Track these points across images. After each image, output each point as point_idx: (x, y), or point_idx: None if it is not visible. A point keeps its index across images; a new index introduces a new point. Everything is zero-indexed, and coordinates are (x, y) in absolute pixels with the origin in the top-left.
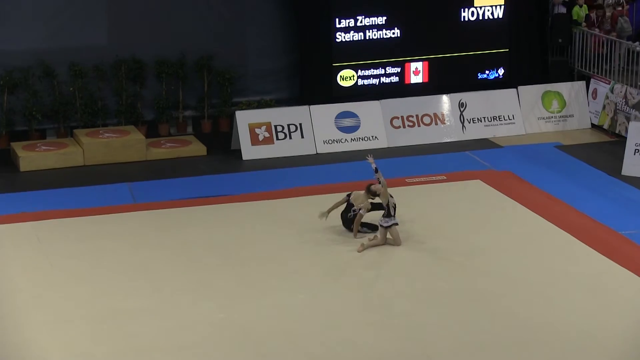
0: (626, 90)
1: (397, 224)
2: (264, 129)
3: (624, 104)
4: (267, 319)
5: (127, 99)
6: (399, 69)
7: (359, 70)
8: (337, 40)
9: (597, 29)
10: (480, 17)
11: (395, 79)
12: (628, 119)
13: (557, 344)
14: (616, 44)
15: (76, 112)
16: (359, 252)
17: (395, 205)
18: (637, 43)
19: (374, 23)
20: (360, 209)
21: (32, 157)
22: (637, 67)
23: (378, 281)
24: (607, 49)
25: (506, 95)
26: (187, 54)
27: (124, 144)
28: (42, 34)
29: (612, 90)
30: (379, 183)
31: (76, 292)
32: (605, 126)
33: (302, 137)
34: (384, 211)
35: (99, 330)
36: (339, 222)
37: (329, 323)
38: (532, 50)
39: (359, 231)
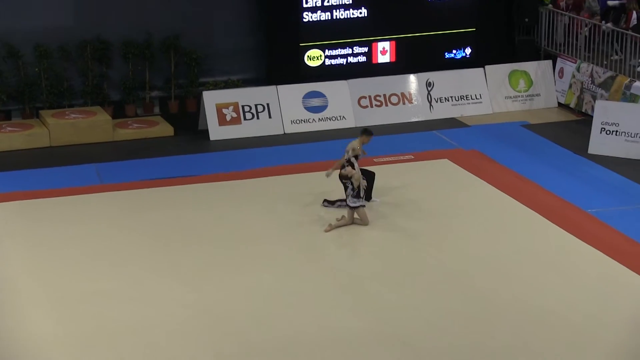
0: (592, 69)
1: (364, 205)
2: (231, 109)
3: (590, 82)
4: (237, 300)
5: (93, 80)
6: (366, 49)
7: (326, 50)
8: (304, 20)
9: (567, 11)
10: None
11: (362, 58)
12: (594, 98)
13: (525, 321)
14: (582, 23)
15: (42, 93)
16: (326, 231)
17: (365, 187)
18: (603, 22)
19: (341, 3)
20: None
21: None
22: (603, 46)
23: (348, 261)
24: (574, 28)
25: (473, 74)
26: (154, 34)
27: (90, 124)
28: (6, 14)
29: (578, 69)
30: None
31: (43, 274)
32: (572, 105)
33: (270, 117)
34: (352, 192)
35: (66, 313)
36: (307, 202)
37: (299, 303)
38: (499, 29)
39: (325, 205)
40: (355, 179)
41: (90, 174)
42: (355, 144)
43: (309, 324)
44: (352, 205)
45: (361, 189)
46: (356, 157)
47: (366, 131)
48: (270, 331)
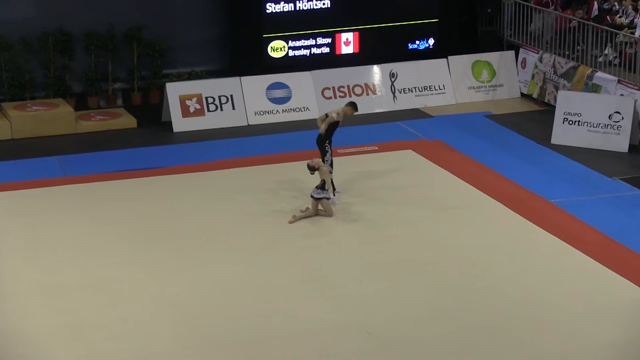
0: (554, 60)
1: (328, 198)
2: (194, 101)
3: (552, 73)
4: (203, 292)
5: (56, 72)
6: (329, 40)
7: (290, 41)
8: (267, 11)
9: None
10: None
11: (326, 49)
12: (557, 88)
13: (490, 311)
14: (544, 13)
15: (3, 85)
16: (290, 222)
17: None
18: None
19: None
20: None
21: None
22: (565, 37)
23: (313, 252)
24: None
25: (436, 65)
26: (116, 25)
27: (52, 116)
28: None
29: (540, 60)
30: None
31: (6, 268)
32: (535, 95)
33: (234, 108)
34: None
35: (31, 306)
36: (272, 193)
37: (266, 295)
38: (462, 20)
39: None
40: (322, 172)
41: (52, 167)
42: (339, 110)
43: (275, 314)
44: (315, 196)
45: (327, 181)
46: (333, 129)
47: (353, 104)
48: (236, 322)
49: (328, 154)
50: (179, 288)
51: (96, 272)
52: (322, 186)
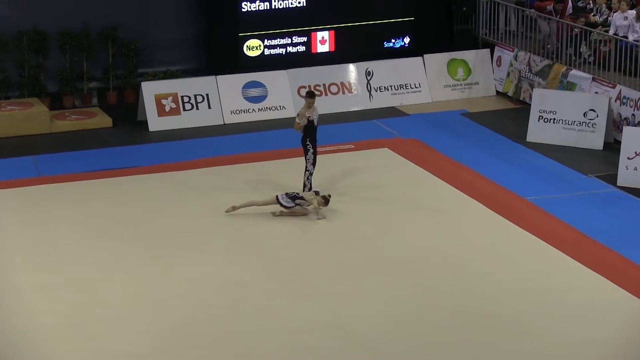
0: (529, 58)
1: (294, 206)
2: (170, 100)
3: (527, 71)
4: (179, 291)
5: (30, 71)
6: (305, 39)
7: (266, 40)
8: (243, 9)
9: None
10: None
11: (301, 48)
12: (532, 86)
13: (467, 309)
14: (518, 11)
15: None
16: (227, 212)
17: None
18: (532, 10)
19: None
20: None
21: None
22: (539, 35)
23: (290, 251)
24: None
25: (412, 63)
26: (91, 24)
27: (27, 116)
28: None
29: (515, 58)
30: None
31: None
32: (510, 93)
33: (209, 107)
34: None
35: (5, 307)
36: (248, 192)
37: (242, 293)
38: (438, 18)
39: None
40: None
41: (27, 166)
42: (301, 110)
43: (252, 314)
44: (282, 203)
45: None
46: (309, 127)
47: (307, 93)
48: (214, 322)
49: (310, 153)
50: (156, 287)
51: (72, 272)
52: (294, 197)
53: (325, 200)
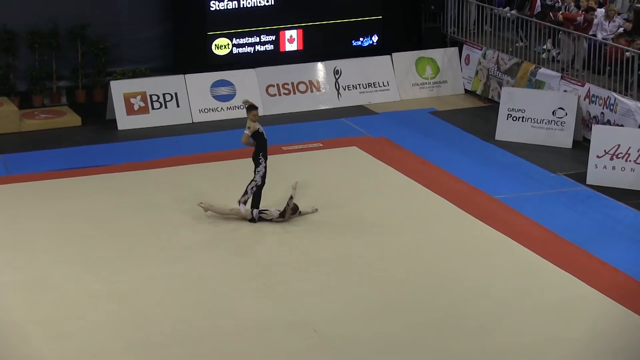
0: (498, 56)
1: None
2: (139, 99)
3: (496, 69)
4: (146, 290)
5: None
6: (273, 37)
7: (234, 39)
8: (211, 8)
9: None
10: None
11: (270, 47)
12: (500, 85)
13: (435, 307)
14: (485, 9)
15: None
16: (200, 205)
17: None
18: (507, 9)
19: None
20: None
21: None
22: (507, 33)
23: (257, 250)
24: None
25: (380, 62)
26: (60, 23)
27: None
28: None
29: (484, 56)
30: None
31: None
32: (478, 91)
33: (178, 106)
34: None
35: None
36: (216, 191)
37: (209, 292)
38: (406, 17)
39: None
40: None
41: None
42: (250, 124)
43: (219, 312)
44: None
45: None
46: (260, 140)
47: (248, 107)
48: (181, 321)
49: (261, 166)
50: (123, 286)
51: (40, 270)
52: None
53: (294, 209)
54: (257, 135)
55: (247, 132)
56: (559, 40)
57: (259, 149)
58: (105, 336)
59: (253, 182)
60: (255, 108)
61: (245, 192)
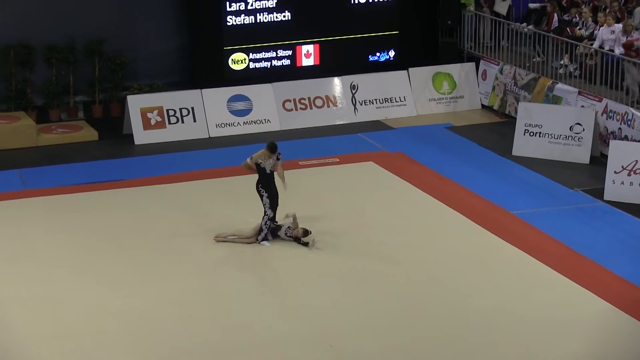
0: (515, 71)
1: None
2: (155, 113)
3: (513, 84)
4: (162, 305)
5: (17, 85)
6: (290, 52)
7: (251, 54)
8: (228, 23)
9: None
10: (370, 0)
11: (286, 61)
12: (517, 100)
13: (451, 322)
14: (503, 25)
15: None
16: (216, 239)
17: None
18: (524, 24)
19: (264, 6)
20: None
21: None
22: (524, 49)
23: (273, 265)
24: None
25: (397, 77)
26: (77, 38)
27: (13, 129)
28: None
29: (501, 71)
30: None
31: None
32: (495, 107)
33: (195, 121)
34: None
35: None
36: (232, 206)
37: (225, 308)
38: (423, 32)
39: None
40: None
41: (13, 180)
42: (257, 153)
43: (235, 327)
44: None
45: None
46: (263, 179)
47: (269, 145)
48: (196, 336)
49: (264, 198)
50: (139, 301)
51: (56, 284)
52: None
53: (305, 232)
54: (257, 166)
55: (249, 159)
56: (576, 56)
57: (259, 180)
58: (119, 351)
59: (265, 217)
60: (272, 151)
61: (261, 230)
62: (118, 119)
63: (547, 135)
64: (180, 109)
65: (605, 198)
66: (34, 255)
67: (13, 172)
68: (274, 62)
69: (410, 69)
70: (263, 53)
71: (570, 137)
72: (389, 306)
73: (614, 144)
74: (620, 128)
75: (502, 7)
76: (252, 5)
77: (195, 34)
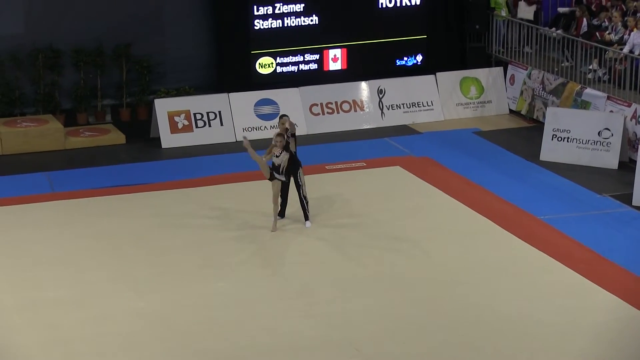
0: (543, 76)
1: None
2: (183, 117)
3: (541, 89)
4: (188, 308)
5: (45, 88)
6: (317, 56)
7: (278, 58)
8: (256, 27)
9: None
10: (398, 4)
11: (314, 66)
12: (545, 105)
13: (477, 327)
14: (532, 29)
15: None
16: (272, 231)
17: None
18: (553, 29)
19: (292, 10)
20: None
21: None
22: (553, 53)
23: (299, 269)
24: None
25: (424, 81)
26: (105, 42)
27: (41, 133)
28: None
29: (529, 76)
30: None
31: None
32: (523, 112)
33: (222, 124)
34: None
35: (18, 321)
36: (259, 209)
37: (251, 311)
38: (450, 36)
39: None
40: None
41: (42, 183)
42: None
43: (262, 331)
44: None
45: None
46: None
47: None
48: (224, 340)
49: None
50: (166, 304)
51: (84, 288)
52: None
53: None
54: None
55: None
56: (605, 61)
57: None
58: (146, 353)
59: (301, 193)
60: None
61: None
62: (145, 123)
63: (575, 140)
64: (208, 113)
65: (633, 204)
66: (61, 258)
67: (41, 175)
68: (301, 66)
69: (437, 74)
70: (290, 57)
71: (598, 143)
72: (415, 311)
73: None
74: None
75: (528, 12)
76: (279, 9)
77: (222, 38)
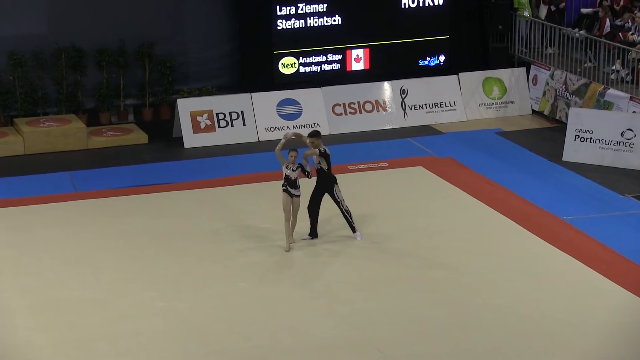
0: (566, 77)
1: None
2: (205, 117)
3: (564, 90)
4: (209, 308)
5: (68, 88)
6: (340, 56)
7: (300, 58)
8: (278, 27)
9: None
10: (421, 4)
11: (336, 66)
12: (568, 105)
13: (499, 328)
14: (555, 30)
15: (16, 101)
16: (286, 251)
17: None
18: (576, 29)
19: (314, 10)
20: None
21: None
22: (576, 54)
23: (321, 269)
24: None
25: (447, 81)
26: (128, 42)
27: (64, 132)
28: None
29: (552, 77)
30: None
31: (17, 282)
32: (546, 112)
33: (244, 124)
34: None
35: (40, 320)
36: (281, 210)
37: (272, 311)
38: (473, 36)
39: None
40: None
41: (64, 182)
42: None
43: (283, 331)
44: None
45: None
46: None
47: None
48: (245, 340)
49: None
50: (187, 304)
51: (105, 287)
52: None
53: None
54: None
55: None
56: (628, 61)
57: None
58: (167, 353)
59: (342, 208)
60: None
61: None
62: (168, 122)
63: (598, 141)
64: (230, 113)
65: None
66: (83, 257)
67: (64, 174)
68: (324, 67)
69: (460, 74)
70: (313, 57)
71: (621, 143)
72: (437, 311)
73: None
74: None
75: (541, 12)
76: (302, 9)
77: (245, 38)
